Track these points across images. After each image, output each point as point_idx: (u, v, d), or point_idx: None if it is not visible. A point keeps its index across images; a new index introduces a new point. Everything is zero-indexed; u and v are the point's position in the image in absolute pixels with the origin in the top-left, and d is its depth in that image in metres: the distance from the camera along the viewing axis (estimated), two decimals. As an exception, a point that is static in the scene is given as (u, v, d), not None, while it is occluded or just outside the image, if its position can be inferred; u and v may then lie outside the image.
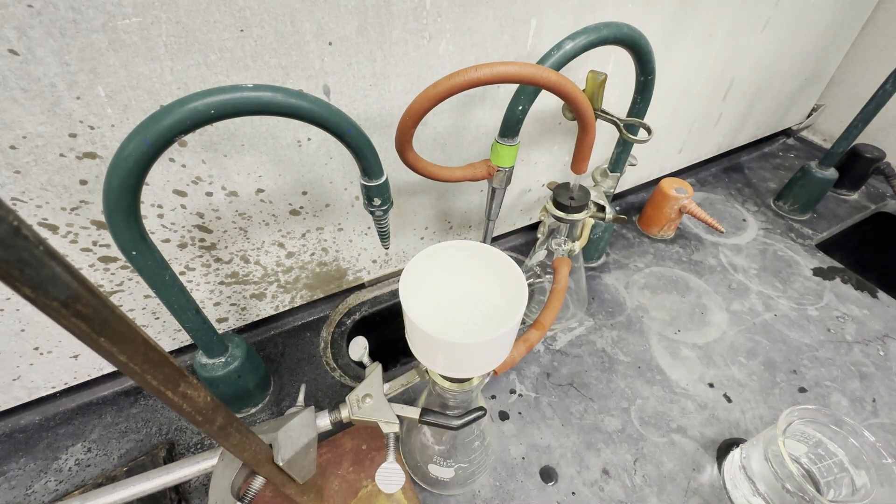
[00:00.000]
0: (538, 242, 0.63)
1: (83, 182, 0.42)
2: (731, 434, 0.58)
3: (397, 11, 0.46)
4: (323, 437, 0.49)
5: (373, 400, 0.41)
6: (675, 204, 0.82)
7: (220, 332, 0.56)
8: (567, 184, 0.56)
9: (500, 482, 0.53)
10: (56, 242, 0.44)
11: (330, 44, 0.45)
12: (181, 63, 0.39)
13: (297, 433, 0.36)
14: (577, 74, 0.63)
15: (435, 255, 0.36)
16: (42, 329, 0.49)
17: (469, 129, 0.61)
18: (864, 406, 0.62)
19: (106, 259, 0.48)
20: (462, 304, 0.37)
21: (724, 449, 0.56)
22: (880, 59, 1.03)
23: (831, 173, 0.89)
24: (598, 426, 0.58)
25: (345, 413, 0.40)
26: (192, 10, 0.37)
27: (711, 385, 0.63)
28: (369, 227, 0.65)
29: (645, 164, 0.93)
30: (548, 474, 0.53)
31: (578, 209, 0.54)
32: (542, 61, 0.46)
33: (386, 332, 0.77)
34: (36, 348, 0.51)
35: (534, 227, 0.88)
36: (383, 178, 0.41)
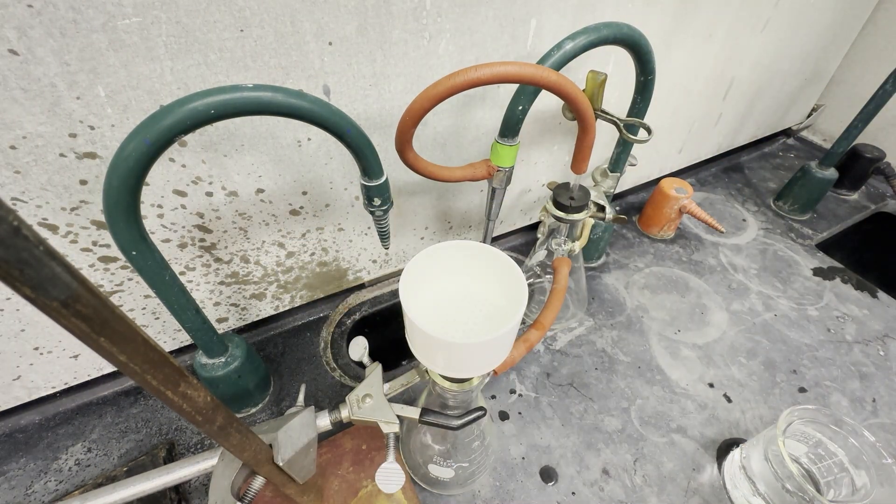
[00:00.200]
0: (538, 242, 0.63)
1: (83, 182, 0.42)
2: (731, 434, 0.58)
3: (397, 11, 0.46)
4: (323, 437, 0.49)
5: (373, 400, 0.41)
6: (675, 204, 0.82)
7: (220, 332, 0.56)
8: (567, 184, 0.56)
9: (500, 482, 0.53)
10: (56, 242, 0.44)
11: (330, 44, 0.45)
12: (181, 63, 0.39)
13: (297, 433, 0.36)
14: (577, 74, 0.63)
15: (435, 255, 0.36)
16: (42, 329, 0.49)
17: (469, 129, 0.61)
18: (864, 406, 0.62)
19: (106, 259, 0.48)
20: (462, 304, 0.37)
21: (724, 449, 0.56)
22: (880, 59, 1.03)
23: (831, 173, 0.89)
24: (598, 426, 0.58)
25: (345, 413, 0.40)
26: (192, 10, 0.37)
27: (711, 385, 0.63)
28: (369, 227, 0.65)
29: (645, 164, 0.93)
30: (548, 474, 0.54)
31: (578, 209, 0.54)
32: (542, 61, 0.46)
33: (386, 332, 0.77)
34: (36, 348, 0.51)
35: (534, 227, 0.88)
36: (383, 178, 0.41)
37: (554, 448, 0.56)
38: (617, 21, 0.48)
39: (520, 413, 0.59)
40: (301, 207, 0.56)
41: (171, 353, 0.59)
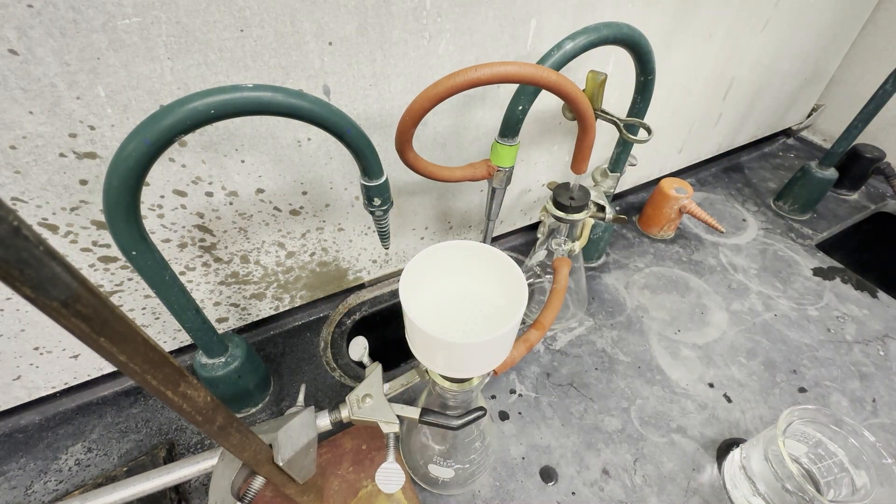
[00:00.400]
0: (538, 242, 0.63)
1: (83, 182, 0.42)
2: (731, 434, 0.58)
3: (397, 11, 0.46)
4: (323, 437, 0.49)
5: (373, 400, 0.41)
6: (675, 204, 0.82)
7: (220, 332, 0.56)
8: (567, 184, 0.56)
9: (500, 482, 0.53)
10: (56, 242, 0.44)
11: (330, 44, 0.45)
12: (181, 63, 0.39)
13: (297, 433, 0.36)
14: (577, 74, 0.63)
15: (435, 255, 0.36)
16: (42, 329, 0.49)
17: (469, 129, 0.61)
18: (864, 406, 0.62)
19: (106, 259, 0.48)
20: (462, 304, 0.37)
21: (724, 449, 0.56)
22: (880, 59, 1.03)
23: (831, 173, 0.89)
24: (598, 426, 0.58)
25: (345, 413, 0.40)
26: (192, 10, 0.37)
27: (711, 385, 0.63)
28: (369, 227, 0.65)
29: (645, 164, 0.93)
30: (548, 474, 0.53)
31: (578, 209, 0.54)
32: (542, 61, 0.46)
33: (386, 332, 0.77)
34: (36, 348, 0.51)
35: (534, 227, 0.88)
36: (383, 178, 0.41)
37: (554, 448, 0.56)
38: (617, 21, 0.48)
39: (520, 413, 0.59)
40: (301, 207, 0.56)
41: (171, 353, 0.59)
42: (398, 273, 0.77)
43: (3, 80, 0.34)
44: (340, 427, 0.52)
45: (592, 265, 0.82)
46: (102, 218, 0.44)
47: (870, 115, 0.78)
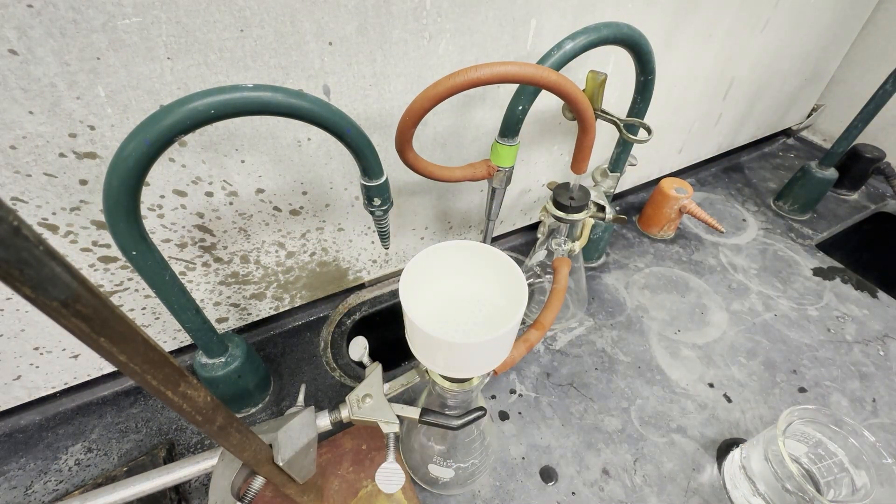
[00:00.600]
0: (538, 242, 0.63)
1: (83, 182, 0.42)
2: (731, 434, 0.58)
3: (397, 11, 0.46)
4: (323, 437, 0.49)
5: (373, 400, 0.41)
6: (675, 204, 0.82)
7: (220, 332, 0.56)
8: (567, 184, 0.56)
9: (500, 482, 0.53)
10: (56, 242, 0.44)
11: (330, 44, 0.45)
12: (181, 63, 0.39)
13: (297, 433, 0.36)
14: (577, 74, 0.63)
15: (435, 255, 0.36)
16: (42, 329, 0.49)
17: (469, 129, 0.61)
18: (864, 406, 0.62)
19: (106, 259, 0.48)
20: (462, 304, 0.37)
21: (724, 449, 0.56)
22: (880, 59, 1.03)
23: (831, 173, 0.89)
24: (598, 426, 0.58)
25: (345, 413, 0.40)
26: (192, 10, 0.37)
27: (711, 385, 0.63)
28: (369, 227, 0.65)
29: (645, 164, 0.93)
30: (548, 474, 0.53)
31: (578, 209, 0.54)
32: (542, 61, 0.46)
33: (386, 332, 0.77)
34: (36, 348, 0.51)
35: (534, 227, 0.88)
36: (383, 178, 0.41)
37: (554, 448, 0.56)
38: (617, 21, 0.48)
39: (520, 413, 0.59)
40: (301, 207, 0.56)
41: (171, 353, 0.59)
42: (398, 273, 0.77)
43: (3, 80, 0.34)
44: (340, 427, 0.52)
45: (592, 265, 0.82)
46: (102, 218, 0.44)
47: (870, 115, 0.78)
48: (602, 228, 0.76)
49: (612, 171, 0.68)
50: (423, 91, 0.38)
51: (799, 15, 0.86)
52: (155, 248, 0.39)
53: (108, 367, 0.58)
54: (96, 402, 0.59)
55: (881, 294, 0.78)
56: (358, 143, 0.37)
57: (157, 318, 0.56)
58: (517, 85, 0.49)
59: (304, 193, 0.55)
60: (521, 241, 0.87)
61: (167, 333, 0.59)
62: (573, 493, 0.52)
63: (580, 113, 0.43)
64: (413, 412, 0.40)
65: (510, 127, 0.50)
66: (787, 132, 1.23)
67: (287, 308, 0.67)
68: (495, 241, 0.85)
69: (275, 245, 0.58)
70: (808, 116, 1.20)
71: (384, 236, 0.49)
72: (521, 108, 0.49)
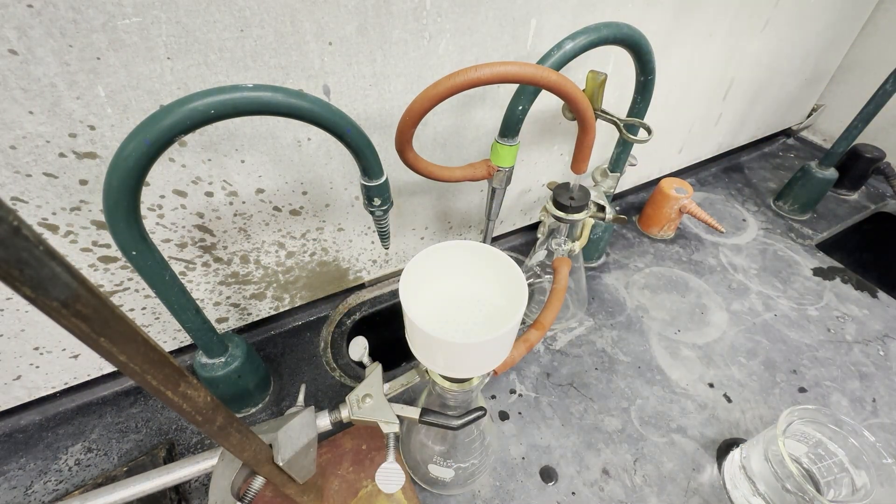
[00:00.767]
0: (538, 242, 0.63)
1: (83, 182, 0.42)
2: (731, 434, 0.58)
3: (397, 11, 0.46)
4: (323, 437, 0.49)
5: (373, 400, 0.41)
6: (675, 204, 0.82)
7: (220, 332, 0.56)
8: (567, 184, 0.56)
9: (500, 482, 0.53)
10: (56, 242, 0.44)
11: (330, 44, 0.45)
12: (181, 63, 0.39)
13: (297, 433, 0.36)
14: (577, 74, 0.63)
15: (435, 255, 0.36)
16: (42, 329, 0.49)
17: (469, 129, 0.61)
18: (864, 406, 0.62)
19: (106, 259, 0.48)
20: (462, 304, 0.37)
21: (724, 449, 0.56)
22: (880, 59, 1.03)
23: (831, 173, 0.89)
24: (598, 426, 0.58)
25: (345, 413, 0.40)
26: (192, 10, 0.37)
27: (711, 385, 0.63)
28: (369, 227, 0.65)
29: (645, 164, 0.93)
30: (548, 474, 0.53)
31: (578, 209, 0.54)
32: (542, 61, 0.46)
33: (386, 332, 0.77)
34: (36, 348, 0.51)
35: (534, 227, 0.88)
36: (383, 178, 0.41)
37: (554, 448, 0.56)
38: (617, 21, 0.48)
39: (520, 413, 0.59)
40: (301, 207, 0.56)
41: (171, 353, 0.59)
42: (398, 273, 0.77)
43: (3, 80, 0.34)
44: (340, 427, 0.52)
45: (592, 265, 0.82)
46: (102, 218, 0.44)
47: (870, 115, 0.78)
48: (602, 228, 0.76)
49: (612, 171, 0.68)
50: (423, 91, 0.38)
51: (799, 15, 0.86)
52: (155, 248, 0.39)
53: (108, 367, 0.58)
54: (96, 402, 0.59)
55: (881, 294, 0.78)
56: (358, 143, 0.37)
57: (157, 318, 0.56)
58: (517, 85, 0.49)
59: (304, 193, 0.55)
60: (521, 241, 0.87)
61: (167, 333, 0.59)
62: (573, 493, 0.52)
63: (580, 113, 0.43)
64: (413, 412, 0.40)
65: (510, 127, 0.50)
66: (787, 132, 1.23)
67: (287, 308, 0.67)
68: (495, 241, 0.85)
69: (275, 245, 0.58)
70: (808, 116, 1.20)
71: (384, 236, 0.49)
72: (521, 108, 0.49)
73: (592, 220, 0.58)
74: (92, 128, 0.39)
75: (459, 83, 0.37)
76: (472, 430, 0.46)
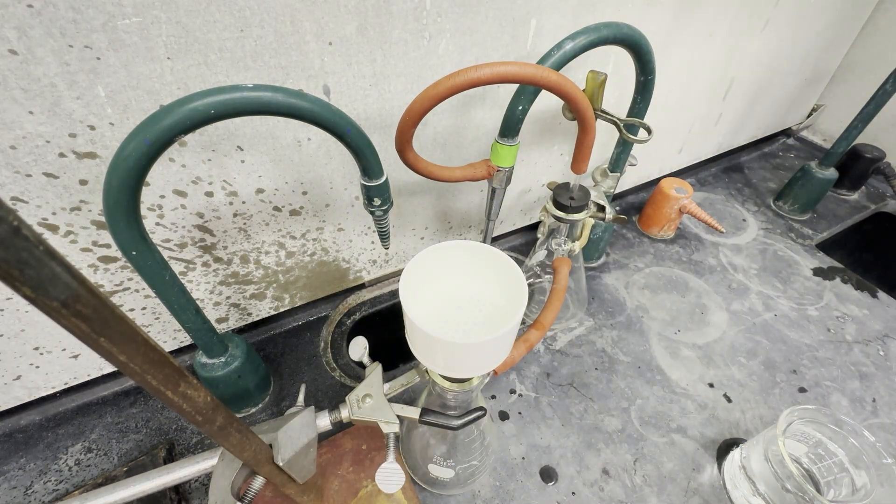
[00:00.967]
0: (538, 242, 0.63)
1: (83, 182, 0.42)
2: (731, 434, 0.58)
3: (397, 11, 0.46)
4: (323, 437, 0.49)
5: (373, 400, 0.41)
6: (675, 204, 0.82)
7: (220, 332, 0.56)
8: (567, 184, 0.56)
9: (500, 482, 0.53)
10: (56, 242, 0.44)
11: (330, 44, 0.45)
12: (181, 63, 0.39)
13: (297, 433, 0.36)
14: (577, 74, 0.63)
15: (435, 255, 0.36)
16: (42, 329, 0.49)
17: (469, 129, 0.61)
18: (864, 406, 0.62)
19: (106, 259, 0.48)
20: (462, 304, 0.37)
21: (724, 449, 0.56)
22: (880, 59, 1.03)
23: (831, 173, 0.89)
24: (598, 426, 0.58)
25: (345, 413, 0.40)
26: (192, 10, 0.37)
27: (711, 385, 0.63)
28: (369, 227, 0.65)
29: (645, 164, 0.93)
30: (548, 474, 0.53)
31: (578, 209, 0.54)
32: (542, 61, 0.46)
33: (386, 332, 0.77)
34: (36, 348, 0.51)
35: (534, 227, 0.88)
36: (383, 178, 0.41)
37: (554, 448, 0.56)
38: (617, 21, 0.48)
39: (520, 413, 0.59)
40: (301, 207, 0.56)
41: (171, 353, 0.59)
42: (398, 273, 0.77)
43: (3, 80, 0.34)
44: (340, 427, 0.52)
45: (592, 265, 0.82)
46: (102, 218, 0.44)
47: (870, 115, 0.78)
48: (602, 228, 0.76)
49: (612, 171, 0.68)
50: (423, 91, 0.38)
51: (799, 15, 0.86)
52: (155, 248, 0.39)
53: (108, 367, 0.58)
54: (96, 402, 0.59)
55: (881, 294, 0.78)
56: (358, 143, 0.37)
57: (157, 318, 0.56)
58: (517, 85, 0.49)
59: (304, 193, 0.55)
60: (521, 241, 0.87)
61: (167, 333, 0.59)
62: (573, 493, 0.52)
63: (580, 113, 0.43)
64: (413, 412, 0.40)
65: (510, 127, 0.50)
66: (787, 132, 1.23)
67: (287, 308, 0.67)
68: (495, 241, 0.85)
69: (275, 245, 0.58)
70: (808, 116, 1.20)
71: (384, 236, 0.49)
72: (521, 108, 0.49)
73: (592, 220, 0.58)
74: (92, 128, 0.39)
75: (459, 83, 0.37)
76: (472, 430, 0.46)
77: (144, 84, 0.39)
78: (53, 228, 0.43)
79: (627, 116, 0.59)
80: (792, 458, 0.49)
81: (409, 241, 0.72)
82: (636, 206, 0.97)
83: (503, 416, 0.59)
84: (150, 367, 0.18)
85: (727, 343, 0.69)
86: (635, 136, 0.57)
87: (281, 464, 0.33)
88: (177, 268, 0.52)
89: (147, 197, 0.45)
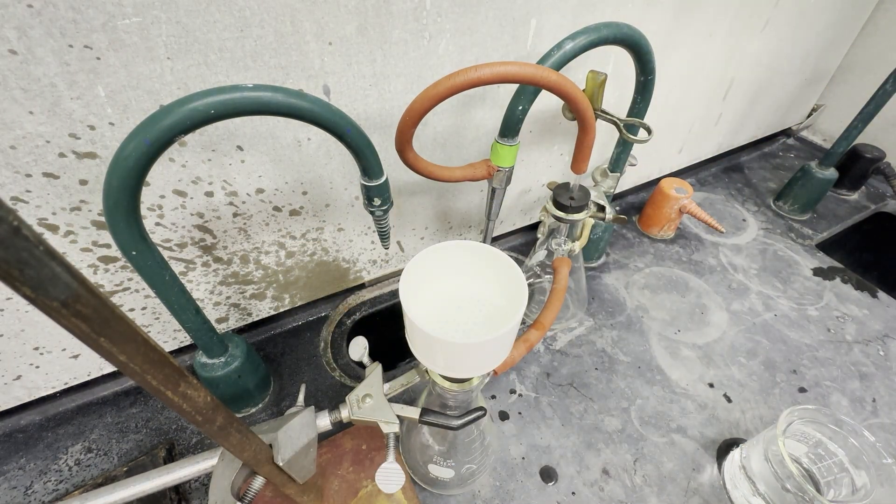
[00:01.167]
0: (538, 242, 0.63)
1: (83, 182, 0.42)
2: (731, 434, 0.58)
3: (397, 11, 0.46)
4: (323, 437, 0.49)
5: (373, 400, 0.41)
6: (675, 204, 0.82)
7: (220, 332, 0.56)
8: (567, 184, 0.56)
9: (500, 482, 0.53)
10: (56, 242, 0.44)
11: (330, 44, 0.45)
12: (181, 63, 0.39)
13: (297, 433, 0.36)
14: (577, 74, 0.63)
15: (435, 255, 0.36)
16: (42, 329, 0.49)
17: (469, 129, 0.61)
18: (864, 406, 0.62)
19: (106, 259, 0.48)
20: (462, 304, 0.37)
21: (724, 449, 0.56)
22: (880, 59, 1.03)
23: (831, 173, 0.89)
24: (598, 426, 0.58)
25: (345, 413, 0.40)
26: (192, 10, 0.37)
27: (711, 385, 0.63)
28: (369, 227, 0.65)
29: (645, 164, 0.93)
30: (548, 474, 0.53)
31: (578, 209, 0.54)
32: (542, 61, 0.46)
33: (386, 332, 0.77)
34: (36, 348, 0.51)
35: (534, 227, 0.88)
36: (383, 178, 0.41)
37: (554, 448, 0.56)
38: (617, 21, 0.48)
39: (520, 413, 0.59)
40: (301, 207, 0.56)
41: (171, 353, 0.59)
42: (398, 273, 0.77)
43: (3, 80, 0.34)
44: (340, 427, 0.52)
45: (592, 265, 0.82)
46: (102, 218, 0.44)
47: (870, 115, 0.78)
48: (602, 228, 0.76)
49: (612, 171, 0.68)
50: (423, 91, 0.38)
51: (799, 15, 0.86)
52: (155, 248, 0.39)
53: (108, 367, 0.58)
54: (96, 402, 0.59)
55: (881, 294, 0.78)
56: (358, 143, 0.37)
57: (157, 318, 0.56)
58: (517, 85, 0.49)
59: (304, 193, 0.55)
60: (521, 241, 0.87)
61: (167, 333, 0.59)
62: (573, 493, 0.52)
63: (580, 113, 0.43)
64: (413, 412, 0.40)
65: (510, 127, 0.50)
66: (787, 132, 1.23)
67: (287, 308, 0.67)
68: (495, 241, 0.85)
69: (275, 245, 0.58)
70: (808, 116, 1.20)
71: (384, 236, 0.49)
72: (521, 108, 0.49)
73: (592, 220, 0.58)
74: (92, 128, 0.39)
75: (459, 83, 0.37)
76: (472, 430, 0.46)
77: (144, 84, 0.39)
78: (53, 228, 0.43)
79: (627, 116, 0.59)
80: (792, 458, 0.49)
81: (409, 241, 0.72)
82: (636, 206, 0.97)
83: (503, 416, 0.59)
84: (150, 367, 0.18)
85: (727, 343, 0.69)
86: (635, 136, 0.57)
87: (281, 464, 0.33)
88: (177, 268, 0.52)
89: (147, 197, 0.45)
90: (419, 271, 0.35)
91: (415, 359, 0.36)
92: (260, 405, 0.60)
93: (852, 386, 0.64)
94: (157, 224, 0.48)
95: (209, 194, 0.49)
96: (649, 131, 0.54)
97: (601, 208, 0.58)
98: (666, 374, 0.65)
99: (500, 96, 0.60)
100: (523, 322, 0.71)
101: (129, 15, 0.35)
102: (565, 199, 0.54)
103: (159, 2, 0.36)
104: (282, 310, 0.67)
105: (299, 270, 0.63)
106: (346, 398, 0.41)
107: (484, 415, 0.41)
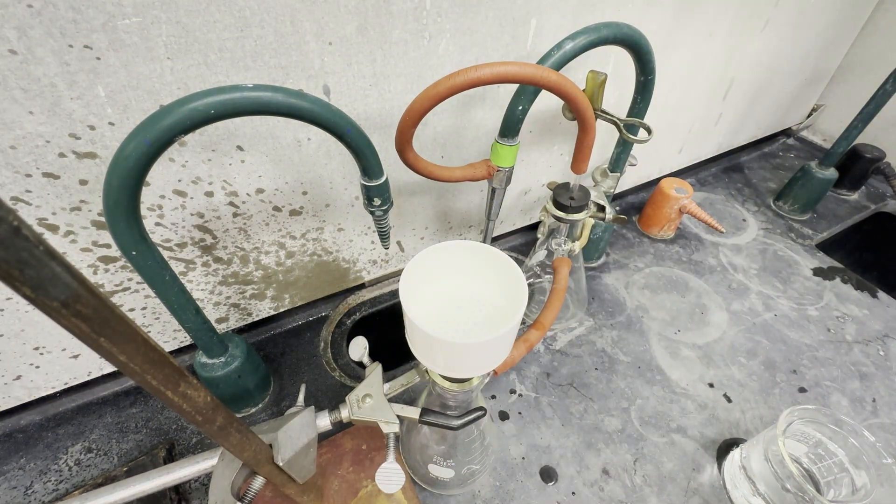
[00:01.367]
0: (538, 242, 0.63)
1: (83, 182, 0.42)
2: (731, 434, 0.58)
3: (397, 11, 0.46)
4: (323, 437, 0.49)
5: (373, 400, 0.41)
6: (675, 204, 0.82)
7: (220, 332, 0.56)
8: (567, 184, 0.56)
9: (500, 482, 0.53)
10: (56, 242, 0.44)
11: (330, 44, 0.45)
12: (181, 63, 0.39)
13: (297, 433, 0.36)
14: (577, 74, 0.63)
15: (435, 255, 0.36)
16: (42, 329, 0.49)
17: (469, 129, 0.61)
18: (864, 406, 0.62)
19: (106, 259, 0.48)
20: (462, 304, 0.37)
21: (724, 449, 0.56)
22: (880, 59, 1.03)
23: (831, 173, 0.89)
24: (598, 426, 0.58)
25: (345, 413, 0.40)
26: (192, 10, 0.37)
27: (711, 385, 0.63)
28: (369, 227, 0.65)
29: (645, 164, 0.93)
30: (548, 474, 0.54)
31: (578, 209, 0.54)
32: (542, 61, 0.46)
33: (386, 332, 0.77)
34: (36, 348, 0.51)
35: (534, 227, 0.88)
36: (383, 178, 0.41)
37: (554, 448, 0.56)
38: (617, 21, 0.48)
39: (520, 413, 0.59)
40: (301, 207, 0.56)
41: (171, 353, 0.59)
42: (398, 273, 0.77)
43: (3, 80, 0.34)
44: (340, 427, 0.52)
45: (592, 265, 0.82)
46: (102, 218, 0.44)
47: (870, 115, 0.78)
48: (602, 228, 0.76)
49: (612, 171, 0.68)
50: (423, 91, 0.38)
51: (799, 15, 0.86)
52: (155, 248, 0.39)
53: (108, 367, 0.58)
54: (96, 402, 0.59)
55: (881, 294, 0.78)
56: (358, 143, 0.37)
57: (157, 318, 0.56)
58: (517, 85, 0.49)
59: (304, 193, 0.55)
60: (521, 241, 0.87)
61: (167, 333, 0.59)
62: (573, 493, 0.52)
63: (580, 113, 0.43)
64: (413, 412, 0.40)
65: (510, 127, 0.50)
66: (787, 132, 1.23)
67: (287, 308, 0.67)
68: (495, 241, 0.85)
69: (275, 245, 0.58)
70: (808, 116, 1.20)
71: (384, 236, 0.49)
72: (521, 108, 0.49)
73: (592, 220, 0.58)
74: (92, 128, 0.39)
75: (459, 83, 0.37)
76: (472, 430, 0.46)
77: (144, 84, 0.39)
78: (53, 228, 0.43)
79: (627, 116, 0.59)
80: (792, 458, 0.49)
81: (409, 241, 0.72)
82: (636, 206, 0.97)
83: (503, 416, 0.59)
84: (150, 367, 0.18)
85: (727, 343, 0.69)
86: (635, 136, 0.57)
87: (281, 464, 0.34)
88: (177, 268, 0.52)
89: (147, 197, 0.45)
90: (419, 271, 0.35)
91: (415, 359, 0.36)
92: (260, 405, 0.60)
93: (852, 386, 0.64)
94: (157, 224, 0.48)
95: (209, 194, 0.49)
96: (649, 131, 0.54)
97: (601, 208, 0.58)
98: (666, 374, 0.65)
99: (500, 96, 0.60)
100: (523, 322, 0.71)
101: (129, 15, 0.35)
102: (565, 199, 0.54)
103: (159, 2, 0.36)
104: (282, 310, 0.67)
105: (299, 270, 0.63)
106: (346, 398, 0.41)
107: (484, 415, 0.41)
